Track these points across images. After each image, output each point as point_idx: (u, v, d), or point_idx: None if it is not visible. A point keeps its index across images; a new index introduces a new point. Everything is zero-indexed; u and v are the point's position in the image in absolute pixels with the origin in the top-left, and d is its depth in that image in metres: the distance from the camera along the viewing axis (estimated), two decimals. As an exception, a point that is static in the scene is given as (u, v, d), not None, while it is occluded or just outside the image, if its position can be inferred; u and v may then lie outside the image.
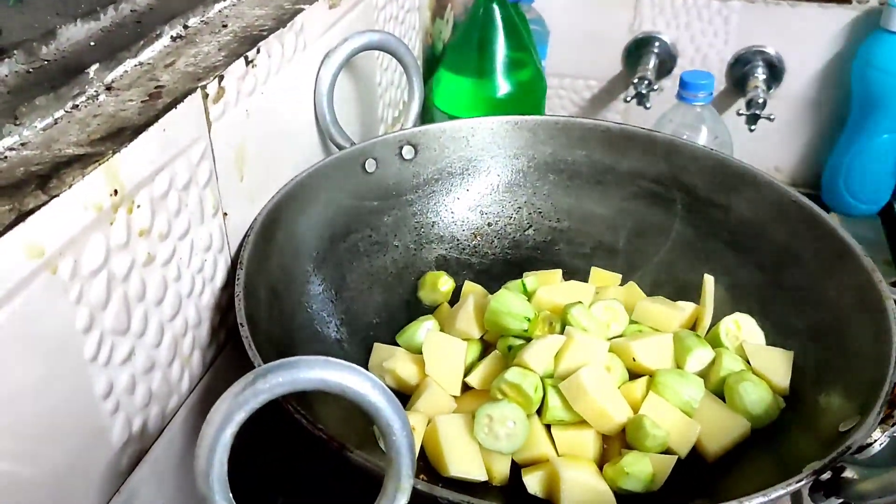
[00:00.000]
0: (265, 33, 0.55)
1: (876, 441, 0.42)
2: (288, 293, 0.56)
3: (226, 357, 0.54)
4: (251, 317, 0.49)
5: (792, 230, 0.59)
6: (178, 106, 0.45)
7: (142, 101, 0.45)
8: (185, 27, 0.55)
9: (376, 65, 0.74)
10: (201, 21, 0.56)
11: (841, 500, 0.41)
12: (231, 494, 0.36)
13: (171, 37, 0.53)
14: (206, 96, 0.48)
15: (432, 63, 0.90)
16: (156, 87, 0.47)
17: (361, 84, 0.72)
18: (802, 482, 0.39)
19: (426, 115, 0.89)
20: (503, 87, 0.83)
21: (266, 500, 0.58)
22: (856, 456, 0.42)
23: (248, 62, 0.52)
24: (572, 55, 1.11)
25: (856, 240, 1.01)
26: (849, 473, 0.40)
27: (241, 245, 0.54)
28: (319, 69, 0.62)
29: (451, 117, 0.83)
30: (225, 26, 0.56)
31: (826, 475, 0.41)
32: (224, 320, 0.54)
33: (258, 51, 0.53)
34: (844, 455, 0.41)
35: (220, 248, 0.52)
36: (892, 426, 0.42)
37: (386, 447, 0.37)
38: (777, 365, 0.54)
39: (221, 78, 0.49)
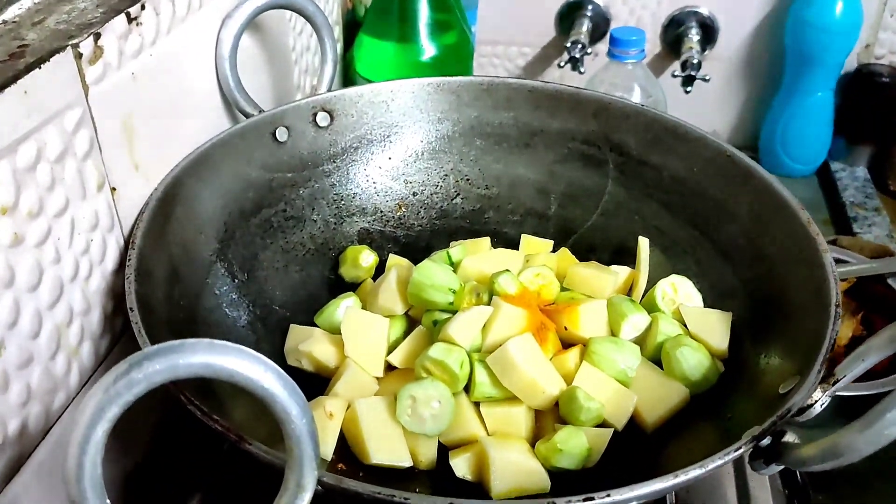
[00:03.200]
0: (151, -11, 0.50)
1: (817, 402, 0.39)
2: (191, 275, 0.51)
3: (124, 347, 0.50)
4: (145, 301, 0.44)
5: (726, 186, 0.56)
6: (42, 66, 0.40)
7: (0, 62, 0.40)
8: (61, -17, 0.49)
9: (288, 28, 0.69)
10: (80, -23, 0.50)
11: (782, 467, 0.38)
12: (108, 500, 0.32)
13: (44, -7, 0.48)
14: (79, 56, 0.43)
15: (354, 29, 0.85)
16: (19, 47, 0.42)
17: (273, 50, 0.67)
18: (741, 450, 0.37)
19: (349, 84, 0.84)
20: (428, 50, 0.78)
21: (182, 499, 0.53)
22: (797, 418, 0.40)
23: (130, 19, 0.47)
24: (504, 21, 1.07)
25: (794, 200, 1.01)
26: (789, 438, 0.38)
27: (134, 223, 0.49)
28: (220, 30, 0.57)
29: (375, 84, 0.79)
30: (107, -18, 0.50)
31: (766, 441, 0.38)
32: (120, 307, 0.49)
33: (142, 7, 0.48)
34: (784, 418, 0.38)
35: (110, 228, 0.47)
36: (833, 385, 0.39)
37: (284, 437, 0.33)
38: (715, 327, 0.51)
39: (98, 36, 0.44)
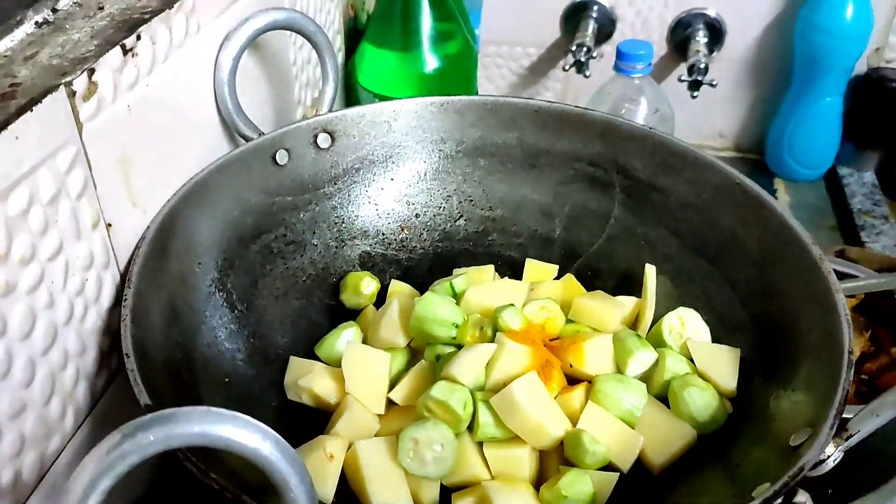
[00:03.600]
0: (147, 16, 0.48)
1: (829, 457, 0.39)
2: (189, 309, 0.50)
3: (121, 382, 0.49)
4: (141, 344, 0.43)
5: (736, 215, 0.55)
6: (34, 108, 0.39)
7: (-9, 104, 0.39)
8: (54, 10, 0.48)
9: (289, 42, 0.68)
10: (74, 3, 0.49)
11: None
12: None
13: (36, 22, 0.46)
14: (72, 94, 0.42)
15: (356, 38, 0.83)
16: (10, 86, 0.40)
17: (273, 65, 0.66)
18: (752, 514, 0.36)
19: (351, 95, 0.83)
20: (431, 61, 0.77)
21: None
22: (808, 473, 0.39)
23: (125, 51, 0.46)
24: (508, 21, 1.05)
25: (800, 205, 1.00)
26: (801, 498, 0.37)
27: (130, 258, 0.48)
28: (218, 54, 0.56)
29: (377, 96, 0.78)
30: (101, 8, 0.49)
31: (778, 501, 0.37)
32: (116, 343, 0.48)
33: (138, 37, 0.47)
34: (797, 478, 0.37)
35: (106, 265, 0.46)
36: (846, 440, 0.38)
37: (283, 504, 0.33)
38: (723, 365, 0.50)
39: (92, 71, 0.43)
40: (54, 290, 0.42)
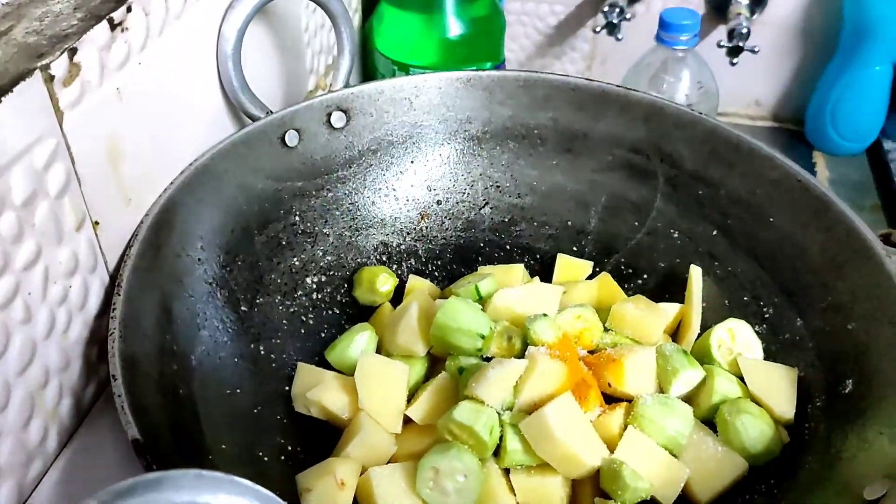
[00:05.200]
0: (140, -17, 0.42)
1: (911, 518, 0.34)
2: (187, 312, 0.45)
3: (110, 396, 0.44)
4: (131, 361, 0.38)
5: (795, 215, 0.49)
6: (4, 98, 0.33)
7: (-47, 94, 0.33)
8: (34, -25, 0.42)
9: (299, 5, 0.62)
10: (56, -34, 0.43)
11: None
12: None
13: (13, -10, 0.41)
14: (50, 79, 0.36)
15: (373, -4, 0.77)
16: (-23, 70, 0.35)
17: (282, 32, 0.60)
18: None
19: (367, 61, 0.77)
20: (455, 25, 0.70)
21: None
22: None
23: (114, 25, 0.40)
24: (535, -25, 0.99)
25: (841, 181, 0.94)
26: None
27: (121, 259, 0.43)
28: (221, 24, 0.50)
29: (395, 63, 0.71)
30: (88, -27, 0.43)
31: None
32: (105, 351, 0.43)
33: (129, 9, 0.41)
34: (876, 547, 0.32)
35: (93, 268, 0.41)
36: (933, 498, 0.34)
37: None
38: (780, 387, 0.45)
39: (73, 52, 0.37)
40: (32, 303, 0.37)
